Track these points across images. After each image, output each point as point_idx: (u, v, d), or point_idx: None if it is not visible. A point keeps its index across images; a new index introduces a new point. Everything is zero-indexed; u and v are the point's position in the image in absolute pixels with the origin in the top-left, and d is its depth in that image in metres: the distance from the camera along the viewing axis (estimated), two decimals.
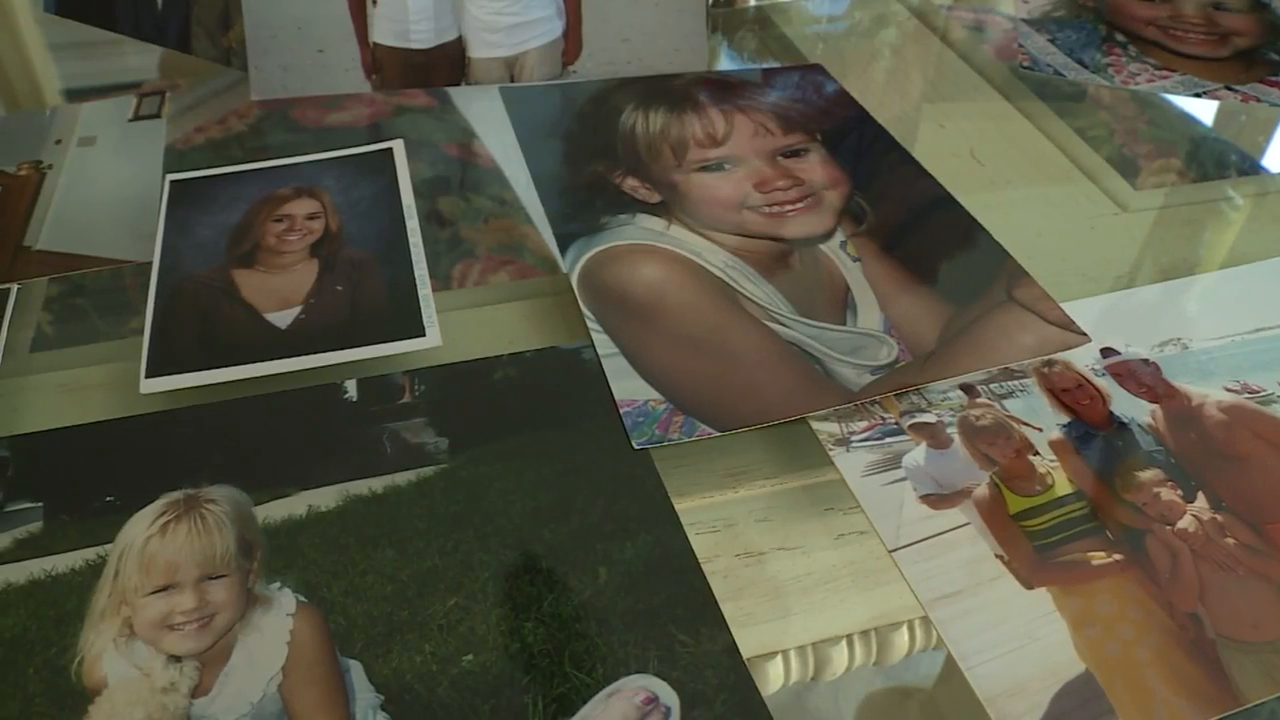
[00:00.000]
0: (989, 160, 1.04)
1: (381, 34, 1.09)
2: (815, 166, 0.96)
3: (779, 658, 0.64)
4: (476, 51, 1.11)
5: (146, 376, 0.80)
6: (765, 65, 1.19)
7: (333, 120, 1.09)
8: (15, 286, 0.90)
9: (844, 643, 0.65)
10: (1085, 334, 0.81)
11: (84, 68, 1.27)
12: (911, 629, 0.66)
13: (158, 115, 1.10)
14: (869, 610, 0.67)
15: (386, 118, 1.09)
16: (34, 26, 1.29)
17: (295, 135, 1.06)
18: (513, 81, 1.11)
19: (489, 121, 1.08)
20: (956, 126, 1.09)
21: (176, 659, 0.62)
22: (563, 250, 0.89)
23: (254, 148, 1.06)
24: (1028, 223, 0.96)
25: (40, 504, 0.72)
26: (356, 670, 0.62)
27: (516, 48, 1.10)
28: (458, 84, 1.11)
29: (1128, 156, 1.05)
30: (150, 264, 0.91)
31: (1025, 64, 1.18)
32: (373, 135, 1.06)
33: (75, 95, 1.19)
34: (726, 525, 0.71)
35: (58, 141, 1.07)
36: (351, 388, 0.77)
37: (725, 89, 1.08)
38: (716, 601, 0.65)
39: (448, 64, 1.10)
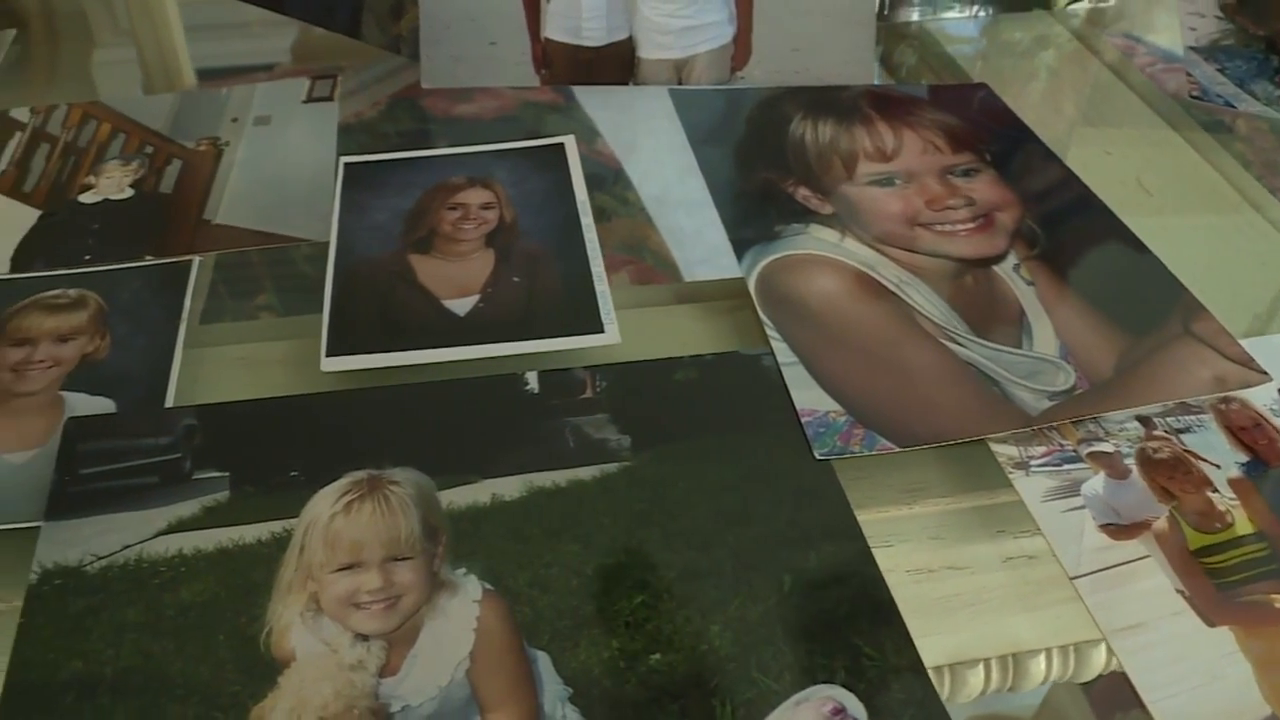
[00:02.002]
0: (1156, 189, 1.03)
1: (553, 30, 1.10)
2: (986, 187, 0.95)
3: (946, 673, 0.64)
4: (646, 52, 1.11)
5: (327, 355, 0.80)
6: (928, 83, 1.17)
7: (460, 111, 1.10)
8: (196, 259, 0.91)
9: (1021, 661, 0.64)
10: (1266, 372, 0.79)
11: (216, 49, 1.28)
12: (1085, 655, 0.65)
13: (330, 98, 1.11)
14: (1039, 633, 0.67)
15: (512, 111, 1.10)
16: (173, 7, 1.31)
17: (426, 124, 1.11)
18: (680, 84, 1.11)
19: (651, 122, 1.09)
20: (1122, 154, 1.08)
21: (364, 638, 0.63)
22: (739, 255, 0.88)
23: (381, 134, 1.08)
24: (1196, 255, 0.94)
25: (226, 474, 0.73)
26: (544, 661, 0.62)
27: (686, 51, 1.10)
28: (625, 83, 1.11)
29: None
30: (326, 244, 0.91)
31: (1194, 93, 1.17)
32: (523, 129, 1.08)
33: (207, 76, 1.20)
34: (900, 540, 0.70)
35: (234, 120, 1.09)
36: (533, 380, 0.77)
37: (892, 103, 1.07)
38: (901, 616, 0.64)
39: (617, 63, 1.10)
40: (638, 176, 1.02)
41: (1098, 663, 0.65)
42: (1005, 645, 0.65)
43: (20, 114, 1.13)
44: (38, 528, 0.72)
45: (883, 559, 0.69)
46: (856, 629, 0.64)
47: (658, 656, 0.62)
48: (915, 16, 1.29)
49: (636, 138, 1.07)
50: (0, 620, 0.68)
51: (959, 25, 1.31)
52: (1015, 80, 1.20)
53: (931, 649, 0.65)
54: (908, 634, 0.64)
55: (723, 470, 0.72)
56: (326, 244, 0.92)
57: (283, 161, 1.03)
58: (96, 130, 1.10)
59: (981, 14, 1.30)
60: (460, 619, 0.64)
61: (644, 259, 0.91)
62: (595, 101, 1.13)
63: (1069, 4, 1.31)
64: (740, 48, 1.11)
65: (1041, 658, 0.65)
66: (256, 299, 0.89)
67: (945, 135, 1.01)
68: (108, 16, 1.38)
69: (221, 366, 0.83)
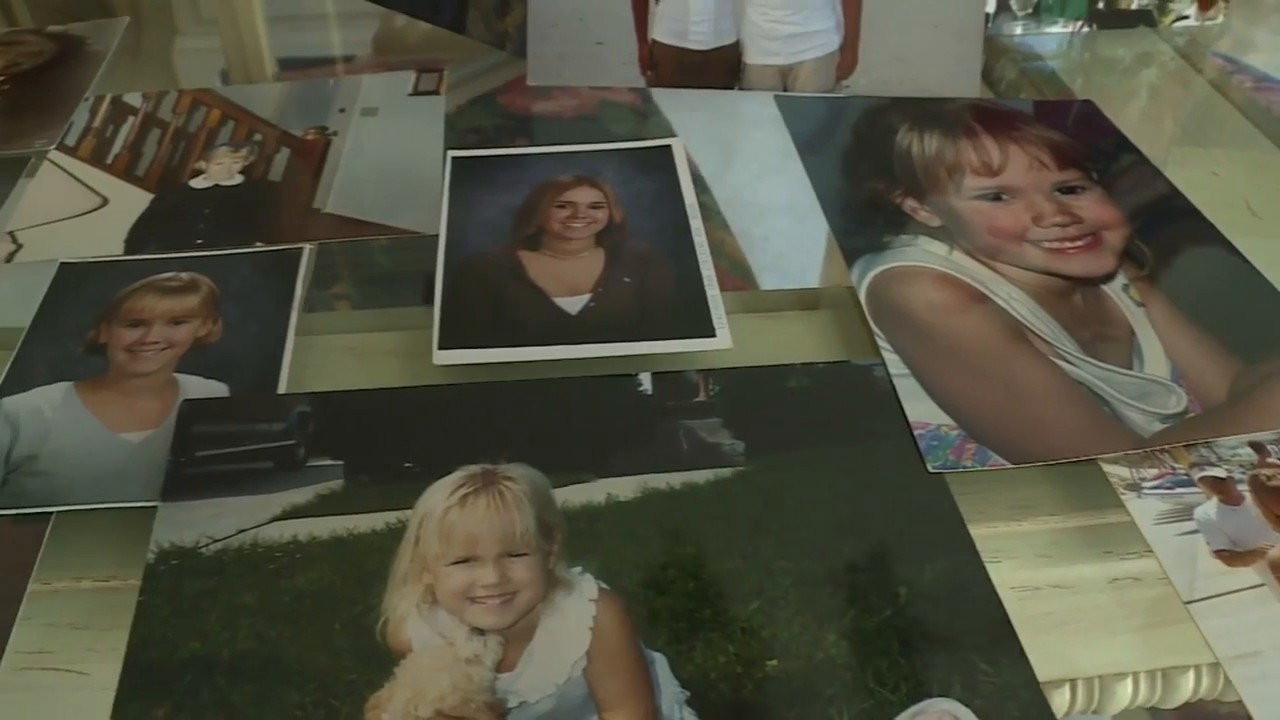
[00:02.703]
0: (1266, 213, 1.01)
1: (661, 32, 1.10)
2: (1094, 205, 0.95)
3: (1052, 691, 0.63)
4: (753, 58, 1.11)
5: (439, 348, 0.80)
6: (1030, 98, 1.17)
7: (539, 109, 1.12)
8: (307, 247, 0.92)
9: (1127, 681, 0.63)
10: None
11: (296, 40, 1.30)
12: (1197, 677, 0.64)
13: (436, 91, 1.11)
14: (1145, 655, 0.66)
15: (591, 111, 1.11)
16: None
17: (502, 120, 1.11)
18: (785, 90, 1.10)
19: (732, 127, 1.11)
20: (1229, 175, 1.07)
21: (480, 632, 0.63)
22: (848, 264, 0.88)
23: (457, 129, 1.10)
24: None
25: (341, 462, 0.73)
26: (661, 663, 0.62)
27: (793, 57, 1.10)
28: (730, 88, 1.11)
29: None
30: (435, 237, 0.92)
31: None
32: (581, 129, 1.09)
33: (286, 66, 1.22)
34: (1007, 557, 0.69)
35: (341, 110, 1.10)
36: (646, 381, 0.77)
37: (997, 117, 1.07)
38: (1016, 633, 0.64)
39: (723, 67, 1.11)
40: (714, 180, 1.01)
41: (1204, 688, 0.64)
42: (1108, 666, 0.65)
43: (133, 99, 1.14)
44: (153, 508, 0.72)
45: (989, 575, 0.68)
46: (972, 644, 0.64)
47: (774, 663, 0.62)
48: (1018, 31, 1.27)
49: (714, 141, 1.07)
50: (118, 597, 0.69)
51: (1060, 40, 1.30)
52: (1116, 97, 1.19)
53: (1043, 667, 0.64)
54: (1023, 651, 0.64)
55: (836, 480, 0.72)
56: (435, 237, 0.92)
57: (390, 153, 1.03)
58: (206, 116, 1.11)
59: (1084, 29, 1.29)
60: (577, 617, 0.64)
61: (720, 263, 0.90)
62: (670, 103, 1.13)
63: (1174, 21, 1.29)
64: (846, 56, 1.11)
65: (1143, 679, 0.64)
66: (367, 289, 0.89)
67: (1051, 151, 1.01)
68: (190, 6, 1.39)
69: (330, 355, 0.84)
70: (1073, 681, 0.64)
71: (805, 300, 0.88)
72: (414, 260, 0.91)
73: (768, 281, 0.91)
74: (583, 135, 1.08)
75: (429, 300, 0.87)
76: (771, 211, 0.97)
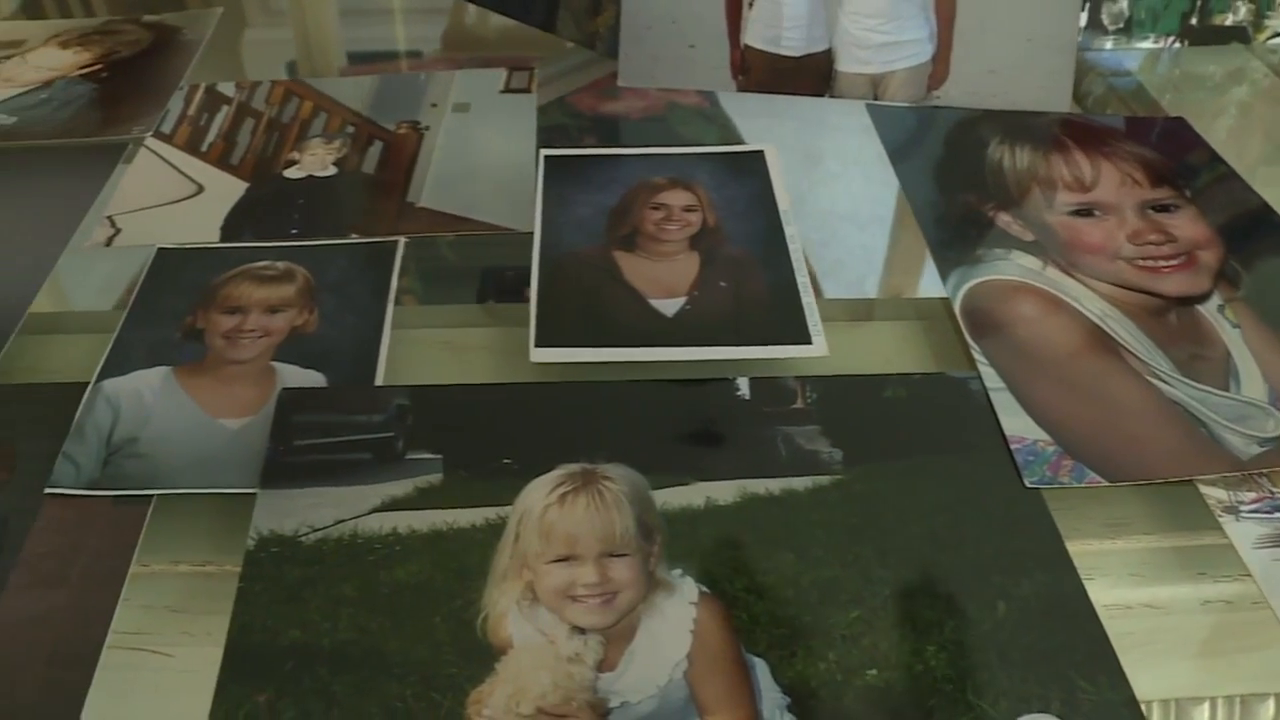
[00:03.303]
0: None
1: (753, 36, 1.10)
2: (1187, 224, 0.94)
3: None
4: (844, 65, 1.11)
5: (536, 346, 0.80)
6: (1120, 114, 1.16)
7: (606, 109, 1.13)
8: (402, 240, 0.92)
9: (1204, 706, 0.63)
10: None
11: (366, 34, 1.33)
12: (1278, 706, 0.63)
13: (527, 90, 1.12)
14: (1229, 680, 0.66)
15: (659, 112, 1.12)
16: None
17: (569, 119, 1.12)
18: (875, 99, 1.10)
19: (841, 134, 1.10)
20: None
21: (580, 631, 0.63)
22: (943, 276, 0.88)
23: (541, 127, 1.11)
24: None
25: (439, 456, 0.74)
26: (761, 668, 0.62)
27: (885, 66, 1.10)
28: (821, 94, 1.11)
29: None
30: (529, 234, 0.92)
31: None
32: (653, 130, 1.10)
33: (355, 60, 1.25)
34: (1100, 574, 0.69)
35: (433, 105, 1.10)
36: (744, 386, 0.78)
37: (1089, 133, 1.06)
38: (1114, 651, 0.64)
39: (814, 74, 1.11)
40: (800, 186, 1.03)
41: None
42: (1189, 689, 0.65)
43: (226, 88, 1.15)
44: (252, 495, 0.72)
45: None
46: (1071, 660, 0.64)
47: (874, 673, 0.62)
48: (1108, 45, 1.27)
49: (799, 148, 1.09)
50: (214, 583, 0.70)
51: (1150, 56, 1.29)
52: (1207, 114, 1.18)
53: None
54: (1121, 669, 0.63)
55: (934, 491, 0.72)
56: (529, 235, 0.92)
57: (483, 150, 1.04)
58: (299, 108, 1.12)
59: (1175, 45, 1.28)
60: (677, 620, 0.64)
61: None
62: (736, 107, 1.14)
63: (1269, 38, 1.28)
64: (939, 67, 1.11)
65: (1220, 705, 0.64)
66: (460, 285, 0.89)
67: (1143, 168, 1.00)
68: None
69: (425, 348, 0.84)
70: (1148, 703, 0.63)
71: (897, 309, 0.88)
72: (508, 257, 0.91)
73: (858, 289, 0.91)
74: (650, 137, 1.10)
75: (509, 297, 0.87)
76: (862, 220, 0.97)
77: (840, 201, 1.00)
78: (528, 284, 0.90)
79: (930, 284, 0.90)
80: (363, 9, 1.42)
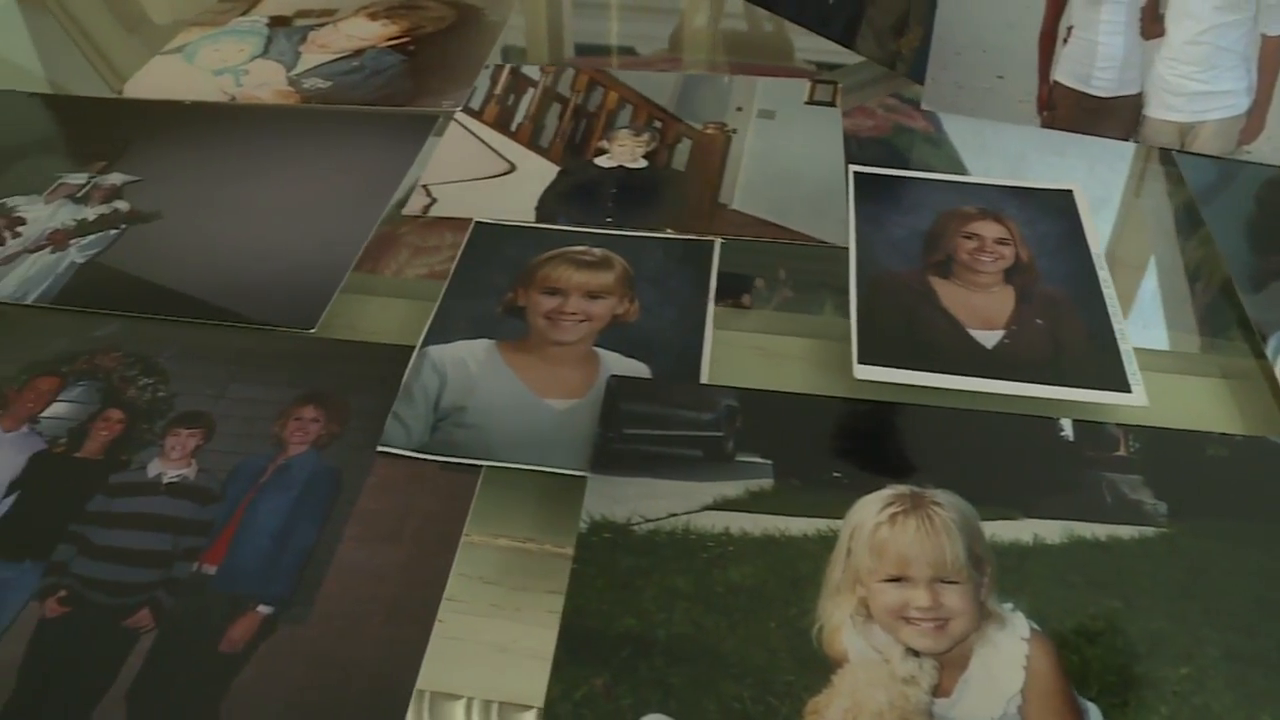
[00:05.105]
0: None
1: (1063, 73, 1.10)
2: None
3: None
4: (1153, 111, 1.10)
5: (859, 362, 0.82)
6: None
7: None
8: (718, 240, 0.94)
9: None
10: None
11: (594, 27, 1.37)
12: None
13: (831, 103, 1.13)
14: None
15: (886, 133, 1.13)
16: None
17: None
18: (1182, 148, 1.09)
19: (1114, 177, 1.11)
20: None
21: (914, 653, 0.64)
22: (1263, 337, 0.87)
23: None
24: None
25: (769, 462, 0.75)
26: (1094, 714, 0.63)
27: (1195, 116, 1.09)
28: (1126, 138, 1.10)
29: None
30: (843, 249, 0.93)
31: None
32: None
33: (582, 53, 1.28)
34: None
35: (739, 109, 1.12)
36: (1068, 427, 0.78)
37: None
38: None
39: (1121, 116, 1.10)
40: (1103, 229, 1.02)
41: None
42: None
43: (530, 71, 1.18)
44: (576, 477, 0.74)
45: None
46: None
47: None
48: None
49: (1094, 190, 1.08)
50: (532, 560, 0.73)
51: None
52: None
53: None
54: None
55: (1261, 557, 0.72)
56: (842, 249, 0.94)
57: (791, 158, 1.06)
58: (604, 98, 1.14)
59: None
60: (1010, 654, 0.64)
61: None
62: (963, 138, 1.15)
63: None
64: (1253, 120, 1.09)
65: None
66: (773, 292, 0.90)
67: None
68: None
69: (738, 351, 0.86)
70: None
71: (1204, 365, 0.87)
72: (819, 269, 0.92)
73: (1169, 341, 0.91)
74: (875, 158, 1.11)
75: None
76: (1166, 270, 0.96)
77: (1148, 250, 0.99)
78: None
79: (1243, 343, 0.89)
80: (592, 2, 1.44)
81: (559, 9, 1.40)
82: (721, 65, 1.26)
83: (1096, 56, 1.09)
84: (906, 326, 0.86)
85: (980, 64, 1.11)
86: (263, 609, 0.69)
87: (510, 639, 0.68)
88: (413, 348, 0.85)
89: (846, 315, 0.89)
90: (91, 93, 1.25)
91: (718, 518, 0.72)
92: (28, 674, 0.66)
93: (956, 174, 1.07)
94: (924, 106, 1.13)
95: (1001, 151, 1.12)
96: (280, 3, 1.39)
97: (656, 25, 1.37)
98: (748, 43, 1.33)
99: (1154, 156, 1.09)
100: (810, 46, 1.29)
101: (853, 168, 1.04)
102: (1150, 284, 0.96)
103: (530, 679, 0.66)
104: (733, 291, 0.90)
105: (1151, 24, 1.06)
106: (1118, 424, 0.79)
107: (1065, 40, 1.10)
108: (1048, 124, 1.11)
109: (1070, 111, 1.11)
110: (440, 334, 0.86)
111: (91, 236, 0.99)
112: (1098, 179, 1.06)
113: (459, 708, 0.65)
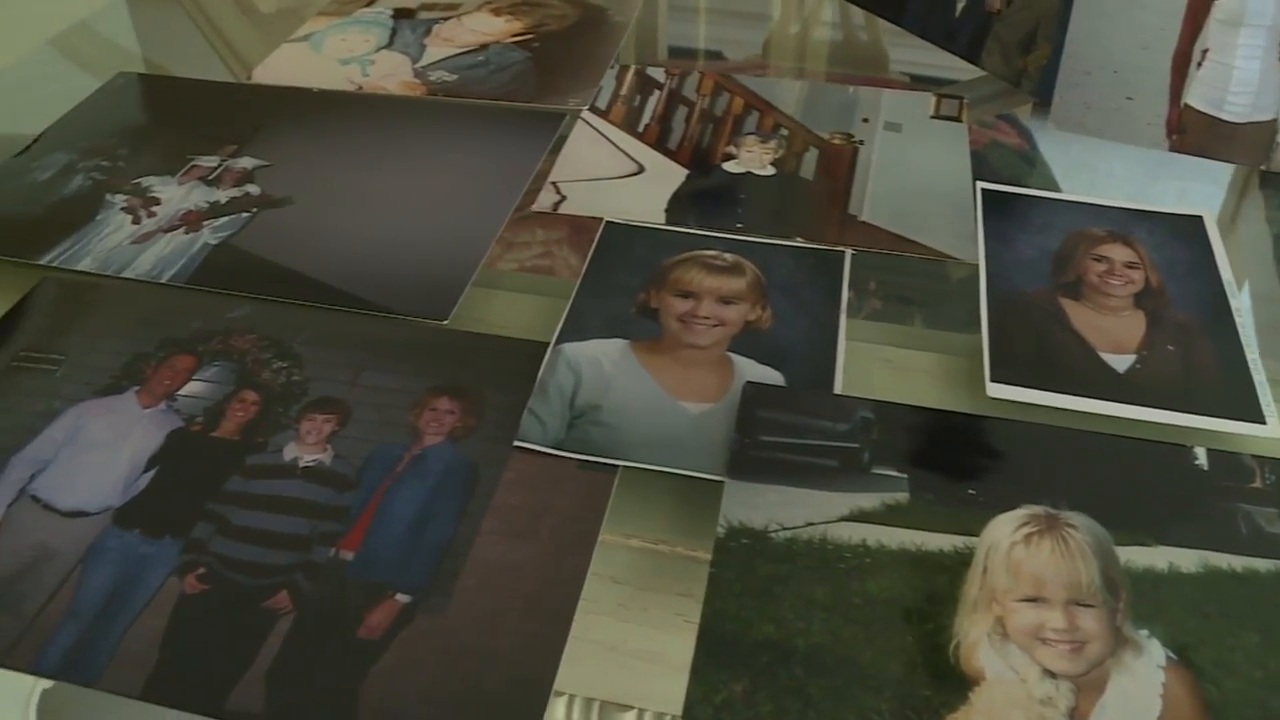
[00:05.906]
0: None
1: (1195, 97, 1.10)
2: None
3: None
4: None
5: (992, 380, 0.82)
6: None
7: None
8: (848, 251, 0.94)
9: None
10: None
11: (687, 30, 1.37)
12: None
13: (957, 118, 1.13)
14: None
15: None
16: None
17: None
18: None
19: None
20: None
21: (1051, 675, 0.64)
22: None
23: None
24: None
25: (905, 476, 0.76)
26: None
27: None
28: (1258, 165, 1.09)
29: None
30: (974, 266, 0.93)
31: None
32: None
33: (676, 54, 1.29)
34: None
35: (864, 120, 1.13)
36: (1202, 455, 0.77)
37: None
38: None
39: (1253, 143, 1.10)
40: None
41: None
42: None
43: (656, 74, 1.19)
44: (711, 481, 0.75)
45: None
46: None
47: None
48: None
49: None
50: (663, 561, 0.75)
51: None
52: None
53: None
54: None
55: None
56: (972, 265, 0.95)
57: (919, 172, 1.06)
58: (730, 103, 1.15)
59: None
60: (1147, 681, 0.65)
61: None
62: (1059, 157, 1.14)
63: None
64: None
65: None
66: (902, 305, 0.91)
67: None
68: None
69: (866, 363, 0.87)
70: None
71: None
72: (948, 285, 0.93)
73: None
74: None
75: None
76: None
77: (1265, 278, 0.99)
78: None
79: None
80: (686, 5, 1.45)
81: (654, 11, 1.40)
82: (818, 74, 1.25)
83: (1231, 81, 1.08)
84: (1038, 346, 0.86)
85: (1110, 84, 1.11)
86: (401, 597, 0.70)
87: (635, 640, 0.70)
88: (544, 344, 0.86)
89: (975, 332, 0.87)
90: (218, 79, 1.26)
91: (855, 529, 0.72)
92: (170, 646, 0.68)
93: (1049, 190, 1.06)
94: (1051, 126, 1.13)
95: (1108, 173, 1.11)
96: None
97: (746, 30, 1.37)
98: (848, 53, 1.33)
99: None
100: (906, 59, 1.29)
101: (980, 184, 1.03)
102: (1275, 314, 0.95)
103: (651, 681, 0.67)
104: None
105: None
106: (1253, 455, 0.78)
107: (1199, 64, 1.09)
108: (1176, 148, 1.11)
109: (1200, 136, 1.11)
110: (573, 332, 0.87)
111: (224, 219, 1.01)
112: (1207, 200, 1.07)
113: (576, 706, 0.66)
